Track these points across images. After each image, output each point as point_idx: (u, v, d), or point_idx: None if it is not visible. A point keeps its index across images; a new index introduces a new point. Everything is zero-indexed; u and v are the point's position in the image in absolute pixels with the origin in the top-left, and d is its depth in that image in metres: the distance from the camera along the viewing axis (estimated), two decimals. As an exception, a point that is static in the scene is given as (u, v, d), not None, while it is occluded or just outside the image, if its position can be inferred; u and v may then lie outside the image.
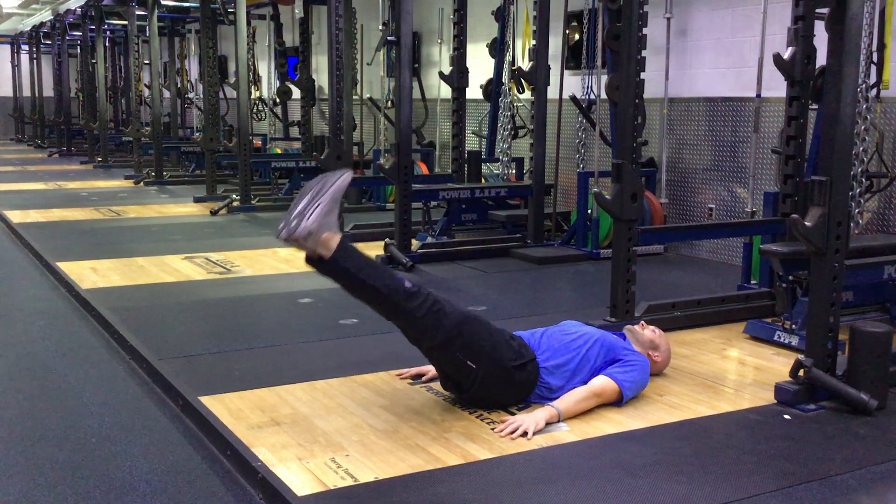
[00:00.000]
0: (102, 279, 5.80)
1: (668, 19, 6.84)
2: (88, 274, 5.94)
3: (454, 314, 3.29)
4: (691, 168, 6.97)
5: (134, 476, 2.90)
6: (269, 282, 5.86)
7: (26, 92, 21.75)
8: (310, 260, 3.21)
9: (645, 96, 4.64)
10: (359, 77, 10.94)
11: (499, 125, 8.35)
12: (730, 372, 3.98)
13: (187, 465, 2.99)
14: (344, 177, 3.20)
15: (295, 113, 12.81)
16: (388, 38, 7.90)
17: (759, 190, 6.02)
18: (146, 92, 15.71)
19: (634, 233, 4.51)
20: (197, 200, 10.14)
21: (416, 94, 9.67)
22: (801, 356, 3.47)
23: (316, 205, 3.12)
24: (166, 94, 15.72)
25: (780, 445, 3.10)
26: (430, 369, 3.75)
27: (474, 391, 3.35)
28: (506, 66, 8.32)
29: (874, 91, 5.17)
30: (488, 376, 3.30)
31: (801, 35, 4.59)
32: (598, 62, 7.04)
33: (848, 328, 3.48)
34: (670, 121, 7.07)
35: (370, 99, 11.19)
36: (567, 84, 7.57)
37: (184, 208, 9.70)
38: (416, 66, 10.34)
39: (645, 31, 4.53)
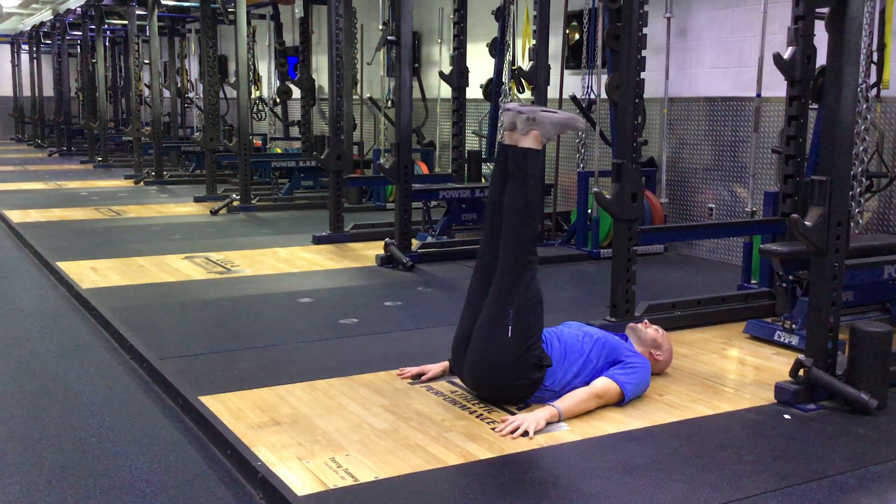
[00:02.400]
0: (102, 279, 5.80)
1: (668, 19, 6.84)
2: (88, 274, 5.94)
3: (537, 287, 3.42)
4: (691, 168, 6.97)
5: (134, 476, 2.90)
6: (269, 282, 5.87)
7: (26, 92, 21.75)
8: (503, 146, 3.52)
9: (645, 96, 4.64)
10: (359, 77, 10.94)
11: (499, 125, 8.35)
12: (730, 372, 3.98)
13: (187, 465, 2.99)
14: (582, 121, 3.64)
15: (295, 113, 12.81)
16: (388, 38, 7.89)
17: (759, 190, 6.02)
18: (146, 92, 15.71)
19: (634, 233, 4.51)
20: (197, 200, 10.14)
21: (416, 93, 9.67)
22: (801, 356, 3.47)
23: (554, 112, 3.50)
24: (166, 93, 15.72)
25: (780, 445, 3.10)
26: (431, 369, 3.75)
27: (485, 363, 3.36)
28: (506, 65, 8.32)
29: (874, 91, 5.17)
30: (509, 352, 3.31)
31: (801, 35, 4.59)
32: (598, 62, 7.04)
33: (848, 328, 3.48)
34: (670, 121, 7.07)
35: (370, 99, 11.19)
36: (567, 84, 7.57)
37: (184, 208, 9.70)
38: (416, 65, 10.34)
39: (645, 30, 4.53)
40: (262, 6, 12.91)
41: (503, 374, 3.36)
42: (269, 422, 3.26)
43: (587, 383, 3.41)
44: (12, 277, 6.24)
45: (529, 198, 3.41)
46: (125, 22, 14.10)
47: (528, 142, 3.44)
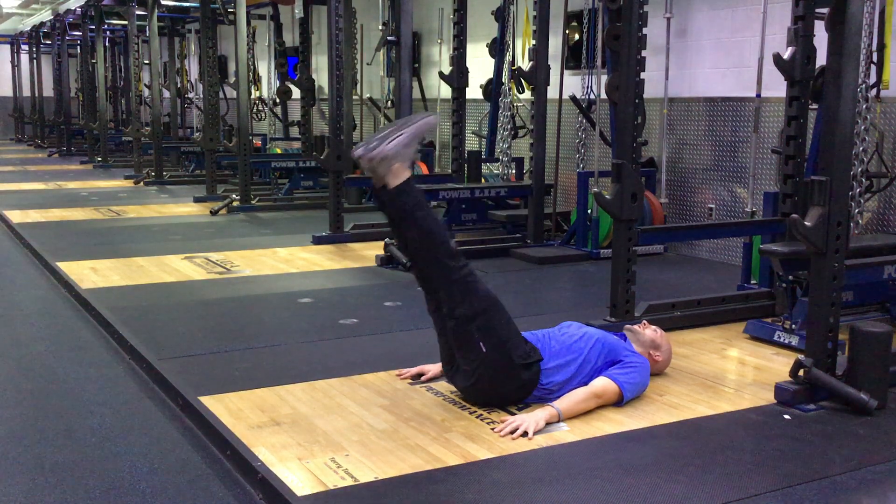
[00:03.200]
0: (102, 279, 5.80)
1: (668, 19, 6.84)
2: (88, 274, 5.94)
3: (484, 293, 3.35)
4: (691, 168, 6.97)
5: (134, 476, 2.90)
6: (269, 282, 5.87)
7: (26, 92, 21.76)
8: (374, 189, 3.36)
9: (645, 96, 4.64)
10: (359, 77, 10.95)
11: (499, 125, 8.36)
12: (730, 372, 3.98)
13: (187, 465, 2.99)
14: (431, 117, 3.37)
15: (295, 113, 12.81)
16: (388, 38, 7.90)
17: (759, 190, 6.02)
18: (146, 92, 15.71)
19: (634, 233, 4.51)
20: (197, 200, 10.14)
21: (416, 94, 9.68)
22: (801, 356, 3.47)
23: (399, 134, 3.25)
24: (166, 94, 15.71)
25: (780, 445, 3.10)
26: (431, 369, 3.75)
27: (475, 380, 3.35)
28: (506, 66, 8.32)
29: (874, 91, 5.17)
30: (493, 365, 3.31)
31: (801, 35, 4.59)
32: (598, 62, 7.04)
33: (848, 328, 3.48)
34: (670, 121, 7.07)
35: (370, 99, 11.19)
36: (567, 84, 7.57)
37: (184, 208, 9.70)
38: (416, 66, 10.34)
39: (645, 31, 4.53)
40: (262, 6, 12.91)
41: (496, 385, 3.37)
42: (269, 422, 3.26)
43: (586, 383, 3.41)
44: (12, 278, 6.24)
45: (426, 227, 3.31)
46: (125, 22, 14.10)
47: (394, 178, 3.27)
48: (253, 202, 9.50)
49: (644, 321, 3.90)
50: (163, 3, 12.86)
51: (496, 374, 3.33)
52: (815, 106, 4.97)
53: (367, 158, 3.22)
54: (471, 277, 3.34)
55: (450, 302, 3.32)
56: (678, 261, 6.74)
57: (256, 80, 13.41)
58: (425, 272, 3.41)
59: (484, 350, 3.29)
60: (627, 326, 3.82)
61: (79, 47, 17.18)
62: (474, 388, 3.40)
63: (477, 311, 3.30)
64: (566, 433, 3.17)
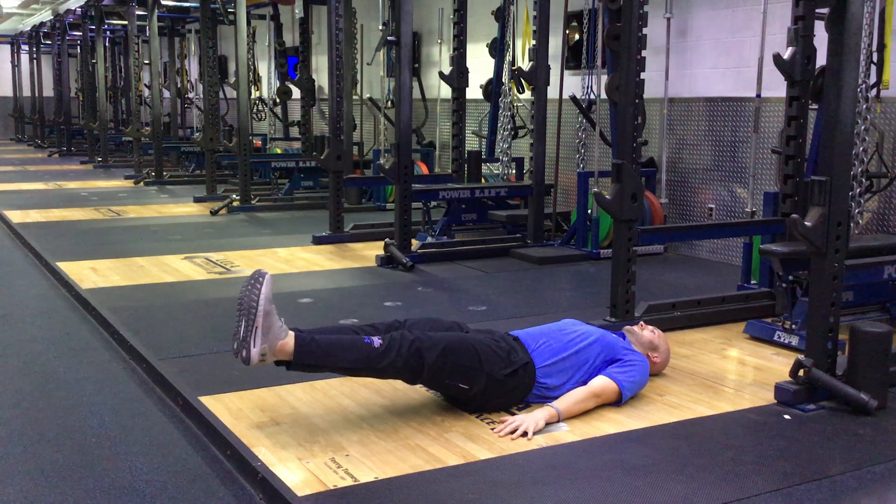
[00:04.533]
0: (102, 279, 5.80)
1: (668, 19, 6.84)
2: (88, 274, 5.94)
3: (433, 346, 3.22)
4: (691, 168, 6.97)
5: (134, 476, 2.90)
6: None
7: (26, 92, 21.76)
8: (278, 363, 3.16)
9: (645, 96, 4.64)
10: (359, 77, 10.94)
11: (499, 125, 8.35)
12: (730, 372, 3.98)
13: (187, 465, 2.99)
14: (264, 283, 3.11)
15: (295, 113, 12.81)
16: (388, 38, 7.90)
17: (759, 190, 6.02)
18: (146, 92, 15.71)
19: (634, 233, 4.51)
20: (197, 200, 10.14)
21: (416, 94, 9.68)
22: (801, 356, 3.47)
23: (254, 327, 3.07)
24: (166, 94, 15.72)
25: (780, 445, 3.10)
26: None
27: (475, 405, 3.37)
28: (506, 66, 8.32)
29: (874, 91, 5.17)
30: (483, 391, 3.31)
31: (801, 35, 4.59)
32: (598, 62, 7.04)
33: (848, 328, 3.48)
34: (670, 121, 7.07)
35: (370, 99, 11.19)
36: (567, 84, 7.57)
37: (184, 208, 9.70)
38: (416, 66, 10.34)
39: (645, 31, 4.53)
40: (262, 6, 12.91)
41: (493, 402, 3.36)
42: (269, 422, 3.26)
43: (585, 382, 3.41)
44: (12, 277, 6.24)
45: (340, 364, 3.18)
46: (125, 22, 14.10)
47: (284, 354, 3.10)
48: (253, 202, 9.50)
49: (641, 322, 3.90)
50: (163, 3, 12.87)
51: (490, 395, 3.33)
52: (815, 106, 4.97)
53: (253, 366, 3.08)
54: (413, 346, 3.19)
55: (413, 378, 3.30)
56: (678, 261, 6.74)
57: (256, 80, 13.41)
58: (379, 377, 3.38)
59: (467, 387, 3.29)
60: (626, 327, 3.82)
61: (79, 47, 17.19)
62: (477, 410, 3.39)
63: (437, 367, 3.22)
64: (566, 433, 3.17)
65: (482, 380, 3.28)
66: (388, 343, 3.20)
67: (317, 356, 3.14)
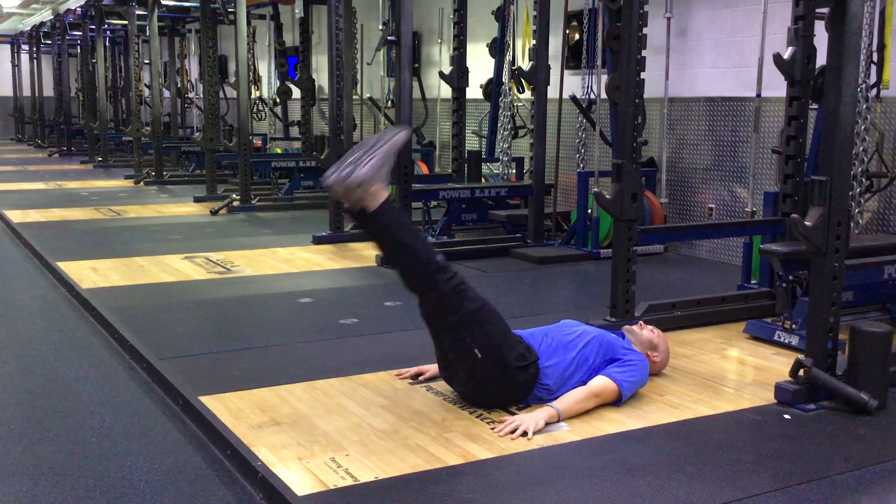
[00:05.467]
0: (102, 279, 5.80)
1: (668, 19, 6.84)
2: (88, 274, 5.94)
3: (476, 299, 3.33)
4: (691, 168, 6.97)
5: (134, 476, 2.90)
6: (269, 282, 5.87)
7: (26, 92, 21.75)
8: (350, 212, 3.23)
9: (645, 96, 4.64)
10: (359, 77, 10.95)
11: (499, 125, 8.36)
12: (730, 372, 3.98)
13: (187, 465, 2.99)
14: (401, 133, 3.24)
15: (295, 113, 12.81)
16: (388, 38, 7.90)
17: (759, 190, 6.02)
18: (146, 92, 15.71)
19: (634, 233, 4.51)
20: (197, 200, 10.14)
21: (416, 94, 9.68)
22: (801, 356, 3.46)
23: (371, 156, 3.14)
24: (166, 94, 15.71)
25: (780, 445, 3.10)
26: (430, 369, 3.75)
27: (473, 384, 3.36)
28: (506, 66, 8.32)
29: (874, 91, 5.17)
30: (488, 369, 3.30)
31: (801, 35, 4.59)
32: (598, 62, 7.04)
33: (848, 328, 3.48)
34: (670, 121, 7.07)
35: (370, 99, 11.19)
36: (567, 84, 7.57)
37: (184, 208, 9.70)
38: (416, 66, 10.34)
39: (645, 31, 4.53)
40: (262, 6, 12.91)
41: (494, 389, 3.37)
42: (269, 422, 3.26)
43: (585, 382, 3.41)
44: (12, 277, 6.24)
45: (410, 246, 3.26)
46: (125, 22, 14.10)
47: (372, 201, 3.19)
48: (253, 202, 9.50)
49: (641, 321, 3.90)
50: (163, 3, 12.86)
51: (492, 378, 3.33)
52: (815, 106, 4.97)
53: (342, 186, 3.11)
54: (461, 287, 3.29)
55: (443, 311, 3.31)
56: (678, 261, 6.74)
57: (256, 80, 13.40)
58: (416, 288, 3.36)
59: (479, 356, 3.29)
60: (626, 327, 3.82)
61: (79, 47, 17.18)
62: (472, 391, 3.40)
63: (469, 319, 3.28)
64: (566, 433, 3.17)
65: (494, 357, 3.29)
66: (448, 266, 3.28)
67: (394, 222, 3.22)
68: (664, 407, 3.47)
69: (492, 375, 3.32)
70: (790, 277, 4.52)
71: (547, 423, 3.20)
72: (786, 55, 4.61)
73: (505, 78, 8.35)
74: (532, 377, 3.38)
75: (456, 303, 3.27)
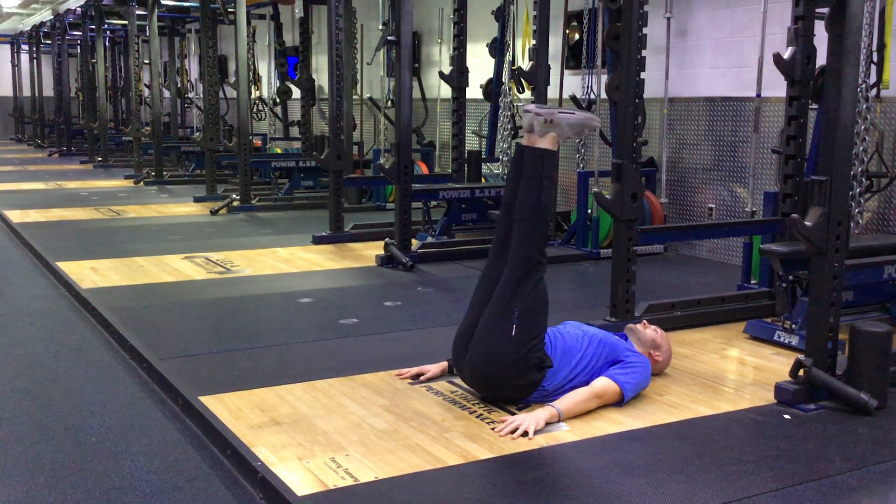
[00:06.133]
0: (102, 279, 5.80)
1: (668, 19, 6.84)
2: (88, 274, 5.94)
3: (544, 287, 3.44)
4: (691, 168, 6.97)
5: (134, 476, 2.90)
6: (269, 282, 5.87)
7: (26, 92, 21.75)
8: (518, 146, 3.56)
9: (645, 96, 4.64)
10: (359, 77, 10.94)
11: (499, 125, 8.35)
12: (730, 372, 3.98)
13: (187, 465, 2.99)
14: (596, 120, 3.66)
15: (295, 113, 12.81)
16: (388, 38, 7.89)
17: (759, 190, 6.02)
18: (146, 92, 15.71)
19: (634, 233, 4.51)
20: (197, 200, 10.14)
21: (416, 94, 9.67)
22: (801, 356, 3.47)
23: (572, 113, 3.53)
24: (166, 94, 15.72)
25: (780, 445, 3.10)
26: (430, 369, 3.75)
27: (488, 361, 3.36)
28: (506, 66, 8.32)
29: (874, 91, 5.17)
30: (510, 352, 3.32)
31: (801, 35, 4.59)
32: (598, 62, 7.04)
33: (848, 328, 3.48)
34: (670, 121, 7.07)
35: (370, 99, 11.19)
36: (567, 84, 7.57)
37: (184, 208, 9.70)
38: (416, 66, 10.34)
39: (645, 31, 4.53)
40: (262, 6, 12.91)
41: (504, 372, 3.36)
42: (269, 422, 3.26)
43: (586, 383, 3.41)
44: (12, 277, 6.24)
45: (542, 199, 3.44)
46: (125, 22, 14.10)
47: (545, 143, 3.48)
48: (253, 202, 9.50)
49: (644, 321, 3.90)
50: (163, 3, 12.86)
51: (510, 363, 3.33)
52: (815, 106, 4.97)
53: (536, 112, 3.46)
54: (542, 268, 3.43)
55: (512, 275, 3.40)
56: (678, 261, 6.74)
57: (256, 80, 13.40)
58: (514, 236, 3.47)
59: (513, 334, 3.32)
60: (629, 326, 3.82)
61: (79, 47, 17.19)
62: (483, 370, 3.40)
63: (529, 297, 3.36)
64: (566, 433, 3.17)
65: (523, 341, 3.33)
66: (546, 244, 3.53)
67: (550, 169, 3.48)
68: (664, 407, 3.47)
69: (511, 359, 3.32)
70: (790, 277, 4.52)
71: (547, 423, 3.20)
72: (786, 55, 4.61)
73: (505, 78, 8.35)
74: (538, 381, 3.38)
75: (527, 274, 3.38)
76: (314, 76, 11.70)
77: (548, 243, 3.55)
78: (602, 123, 6.89)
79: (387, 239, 6.47)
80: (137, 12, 12.83)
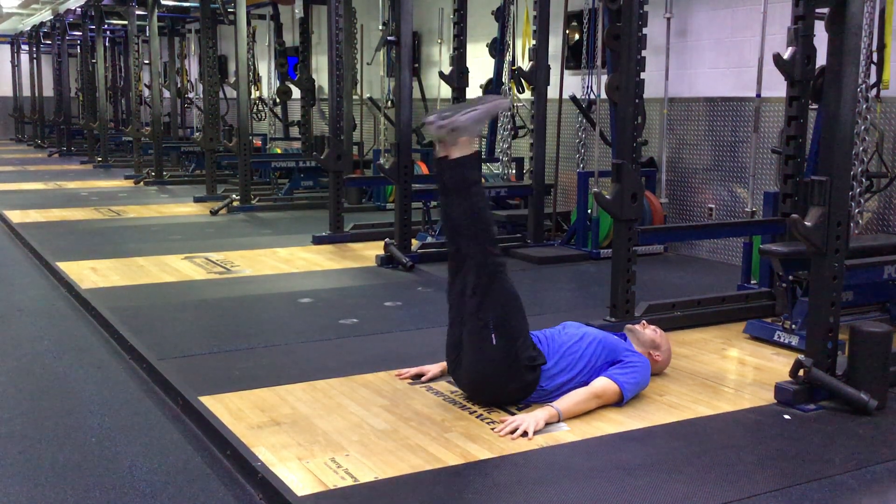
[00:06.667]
0: (102, 279, 5.80)
1: (668, 19, 6.84)
2: (88, 274, 5.94)
3: (510, 287, 3.40)
4: (691, 168, 6.97)
5: (134, 476, 2.90)
6: (269, 282, 5.87)
7: (26, 92, 21.75)
8: (437, 159, 3.44)
9: (645, 96, 4.64)
10: (359, 77, 10.94)
11: (499, 125, 8.35)
12: (730, 372, 3.98)
13: (187, 465, 2.99)
14: (504, 100, 3.54)
15: (295, 113, 12.81)
16: (388, 38, 7.89)
17: (759, 190, 6.02)
18: (146, 92, 15.71)
19: (634, 233, 4.51)
20: (197, 200, 10.14)
21: (416, 94, 9.67)
22: (801, 356, 3.47)
23: (473, 109, 3.35)
24: (166, 94, 15.71)
25: (780, 445, 3.10)
26: (430, 369, 3.75)
27: (478, 371, 3.36)
28: (506, 66, 8.32)
29: (874, 91, 5.17)
30: (499, 360, 3.31)
31: (801, 35, 4.59)
32: (598, 62, 7.04)
33: (848, 328, 3.48)
34: (670, 121, 7.07)
35: (370, 99, 11.19)
36: (567, 84, 7.56)
37: (184, 208, 9.70)
38: (416, 66, 10.34)
39: (645, 31, 4.53)
40: (262, 6, 12.91)
41: (497, 379, 3.37)
42: (269, 422, 3.26)
43: (586, 383, 3.41)
44: (12, 277, 6.24)
45: (475, 205, 3.36)
46: (125, 22, 14.09)
47: (459, 150, 3.35)
48: (253, 202, 9.50)
49: (643, 321, 3.90)
50: (163, 3, 12.86)
51: (500, 370, 3.33)
52: (815, 106, 4.97)
53: (437, 126, 3.31)
54: (502, 269, 3.39)
55: (474, 287, 3.35)
56: (678, 261, 6.74)
57: (256, 80, 13.40)
58: (463, 250, 3.41)
59: (494, 342, 3.30)
60: (628, 326, 3.82)
61: (79, 47, 17.19)
62: (476, 381, 3.40)
63: (498, 302, 3.33)
64: (566, 433, 3.17)
65: (507, 347, 3.31)
66: (498, 242, 3.43)
67: (474, 175, 3.39)
68: (664, 407, 3.47)
69: (500, 366, 3.32)
70: (790, 277, 4.52)
71: (547, 424, 3.20)
72: (786, 55, 4.61)
73: (505, 78, 8.35)
74: (534, 380, 3.38)
75: (490, 281, 3.33)
76: (314, 76, 11.70)
77: (497, 243, 3.42)
78: (602, 123, 6.90)
79: (387, 239, 6.47)
80: (137, 12, 12.83)
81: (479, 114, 3.36)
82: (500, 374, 3.34)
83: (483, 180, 7.99)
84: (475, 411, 3.37)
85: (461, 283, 3.41)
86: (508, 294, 3.38)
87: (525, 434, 3.11)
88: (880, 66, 5.14)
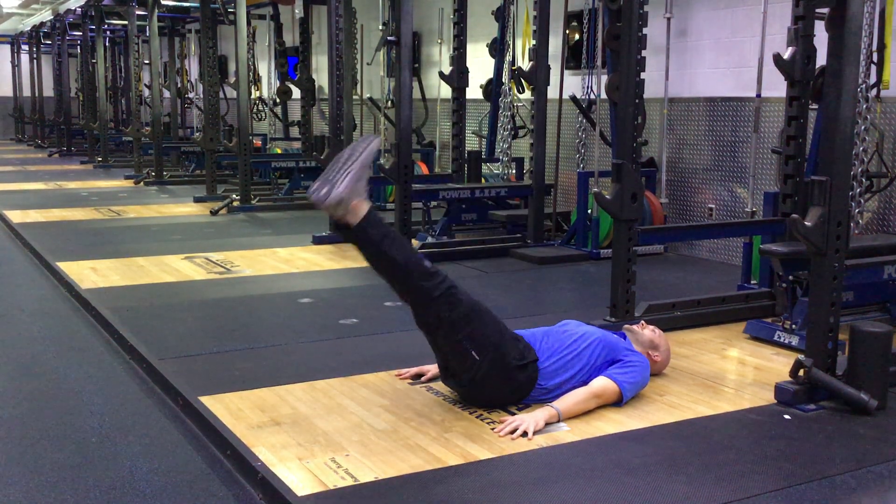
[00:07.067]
0: (102, 279, 5.80)
1: (668, 19, 6.84)
2: (88, 274, 5.94)
3: (467, 302, 3.34)
4: (691, 168, 6.97)
5: (134, 476, 2.90)
6: (269, 282, 5.87)
7: (26, 92, 21.75)
8: (336, 225, 3.28)
9: (645, 96, 4.64)
10: (359, 77, 10.94)
11: (499, 125, 8.35)
12: (730, 372, 3.98)
13: (187, 466, 2.99)
14: (373, 143, 3.29)
15: (295, 113, 12.81)
16: (388, 38, 7.90)
17: (759, 190, 6.02)
18: (146, 92, 15.71)
19: (634, 233, 4.51)
20: (197, 200, 10.14)
21: (416, 94, 9.67)
22: (801, 356, 3.47)
23: (347, 172, 3.17)
24: (166, 94, 15.71)
25: (780, 445, 3.10)
26: (430, 369, 3.75)
27: (474, 385, 3.36)
28: (506, 66, 8.32)
29: (874, 91, 5.17)
30: (490, 371, 3.31)
31: (801, 35, 4.59)
32: (598, 62, 7.04)
33: (848, 328, 3.48)
34: (670, 121, 7.07)
35: (370, 99, 11.19)
36: (567, 84, 7.56)
37: (184, 208, 9.70)
38: (416, 66, 10.34)
39: (645, 31, 4.53)
40: (262, 6, 12.91)
41: (493, 389, 3.37)
42: (269, 422, 3.26)
43: (585, 382, 3.41)
44: (12, 277, 6.24)
45: (395, 256, 3.28)
46: (125, 22, 14.09)
47: (355, 214, 3.21)
48: (253, 202, 9.50)
49: (642, 321, 3.90)
50: (163, 3, 12.86)
51: (492, 379, 3.33)
52: (815, 106, 4.97)
53: (325, 206, 3.16)
54: (452, 290, 3.32)
55: (435, 319, 3.32)
56: (678, 261, 6.74)
57: (256, 80, 13.40)
58: (404, 296, 3.41)
59: (477, 358, 3.29)
60: (627, 326, 3.82)
61: (79, 47, 17.18)
62: (472, 392, 3.41)
63: (462, 321, 3.29)
64: (566, 433, 3.17)
65: (492, 358, 3.29)
66: (436, 270, 3.32)
67: (379, 232, 3.25)
68: (664, 407, 3.47)
69: (491, 375, 3.32)
70: (790, 277, 4.52)
71: (547, 424, 3.20)
72: (786, 55, 4.61)
73: (505, 78, 8.35)
74: (531, 377, 3.38)
75: (447, 307, 3.28)
76: (314, 76, 11.70)
77: (426, 269, 3.31)
78: (602, 123, 6.90)
79: (387, 239, 6.46)
80: (137, 12, 12.82)
81: (356, 172, 3.18)
82: (493, 384, 3.35)
83: (483, 180, 8.01)
84: (475, 411, 3.37)
85: (423, 316, 3.39)
86: (468, 308, 3.33)
87: (525, 434, 3.11)
88: (880, 66, 5.14)
